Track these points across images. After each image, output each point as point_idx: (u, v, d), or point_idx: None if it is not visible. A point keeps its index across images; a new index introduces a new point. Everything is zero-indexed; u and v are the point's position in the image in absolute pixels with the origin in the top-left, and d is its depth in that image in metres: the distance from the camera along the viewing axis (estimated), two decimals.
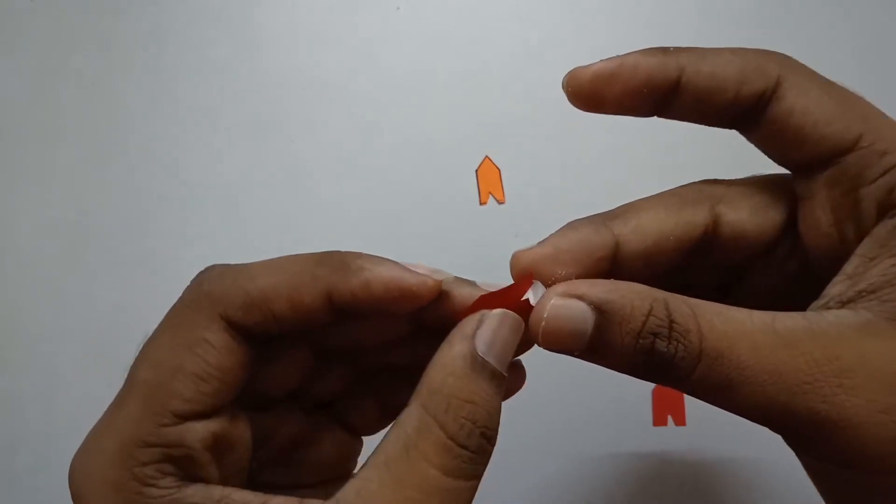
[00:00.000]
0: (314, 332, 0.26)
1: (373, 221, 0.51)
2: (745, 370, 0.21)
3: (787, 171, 0.26)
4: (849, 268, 0.23)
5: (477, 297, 0.24)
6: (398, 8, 0.53)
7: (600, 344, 0.22)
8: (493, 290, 0.25)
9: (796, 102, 0.24)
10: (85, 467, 0.23)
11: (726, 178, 0.27)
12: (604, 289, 0.22)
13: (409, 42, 0.53)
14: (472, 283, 0.25)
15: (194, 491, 0.22)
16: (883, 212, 0.23)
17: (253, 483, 0.26)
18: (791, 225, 0.26)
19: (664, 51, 0.25)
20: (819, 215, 0.25)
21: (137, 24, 0.53)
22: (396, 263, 0.24)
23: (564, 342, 0.22)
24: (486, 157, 0.51)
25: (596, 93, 0.25)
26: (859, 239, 0.23)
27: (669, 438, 0.48)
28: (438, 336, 0.23)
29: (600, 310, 0.22)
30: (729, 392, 0.21)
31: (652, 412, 0.48)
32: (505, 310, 0.23)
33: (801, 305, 0.23)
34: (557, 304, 0.22)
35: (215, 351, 0.23)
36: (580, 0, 0.52)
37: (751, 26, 0.52)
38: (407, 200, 0.51)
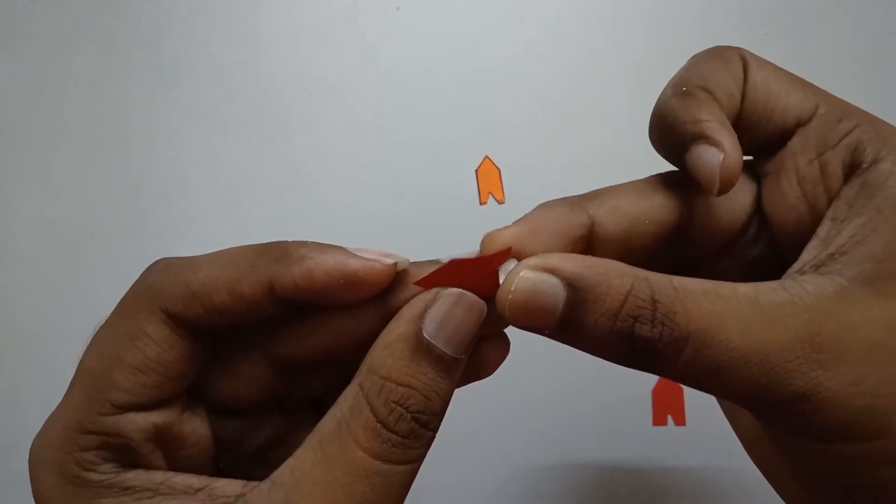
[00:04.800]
0: (281, 343, 0.25)
1: (373, 221, 0.51)
2: (734, 351, 0.20)
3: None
4: (821, 231, 0.23)
5: (447, 263, 0.23)
6: (398, 8, 0.53)
7: (572, 323, 0.21)
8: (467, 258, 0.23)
9: (756, 77, 0.25)
10: (36, 450, 0.23)
11: None
12: (579, 264, 0.21)
13: (409, 42, 0.53)
14: (436, 263, 0.24)
15: (134, 475, 0.22)
16: (849, 173, 0.23)
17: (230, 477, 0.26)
18: (756, 210, 0.26)
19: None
20: (785, 187, 0.24)
21: (137, 24, 0.53)
22: (342, 249, 0.23)
23: (532, 318, 0.21)
24: (486, 157, 0.51)
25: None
26: (830, 204, 0.23)
27: (669, 438, 0.48)
28: None
29: (573, 286, 0.20)
30: (715, 375, 0.20)
31: (652, 412, 0.48)
32: (461, 290, 0.22)
33: None
34: (527, 276, 0.21)
35: (155, 344, 0.23)
36: (580, 0, 0.52)
37: (750, 25, 0.52)
38: (407, 200, 0.51)
